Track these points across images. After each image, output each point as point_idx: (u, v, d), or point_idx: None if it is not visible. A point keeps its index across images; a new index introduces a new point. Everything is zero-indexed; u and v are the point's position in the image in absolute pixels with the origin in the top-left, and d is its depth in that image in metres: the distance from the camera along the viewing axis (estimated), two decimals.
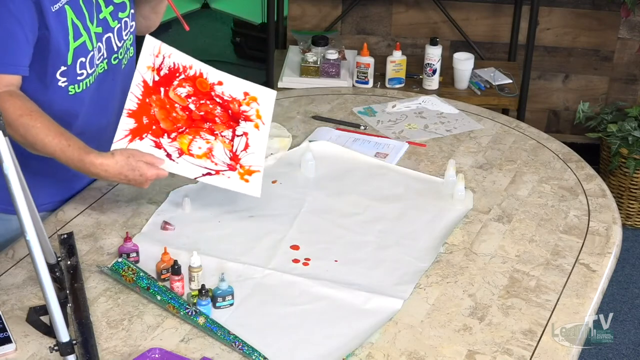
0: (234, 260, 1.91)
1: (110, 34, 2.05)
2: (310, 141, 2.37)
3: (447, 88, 3.51)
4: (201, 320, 1.71)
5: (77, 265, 1.84)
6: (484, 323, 1.77)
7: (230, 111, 2.09)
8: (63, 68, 1.95)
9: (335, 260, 1.94)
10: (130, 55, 2.15)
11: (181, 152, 2.02)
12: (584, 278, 1.91)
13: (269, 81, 3.61)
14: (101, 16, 2.02)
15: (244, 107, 2.11)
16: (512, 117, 2.71)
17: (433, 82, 3.49)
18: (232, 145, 2.07)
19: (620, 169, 3.64)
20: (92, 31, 2.00)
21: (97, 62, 2.03)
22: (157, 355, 1.64)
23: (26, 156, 1.93)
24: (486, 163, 2.33)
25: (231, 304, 1.78)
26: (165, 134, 2.02)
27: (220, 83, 2.11)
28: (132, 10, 2.11)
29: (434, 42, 3.47)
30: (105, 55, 2.05)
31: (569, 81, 3.98)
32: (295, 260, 1.93)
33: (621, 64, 3.91)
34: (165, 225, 2.02)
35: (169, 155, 2.00)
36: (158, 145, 2.00)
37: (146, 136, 1.99)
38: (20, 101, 1.87)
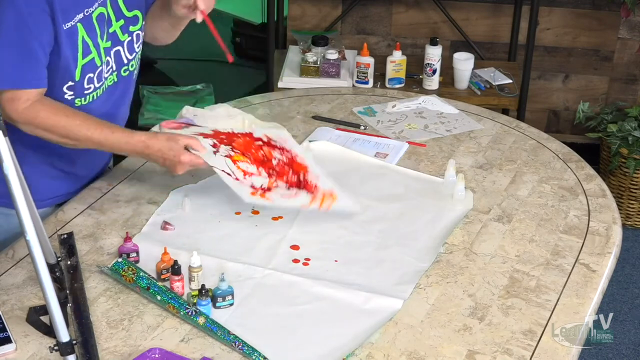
0: (234, 260, 1.91)
1: (119, 47, 2.06)
2: (310, 141, 2.37)
3: (447, 88, 3.51)
4: (201, 320, 1.71)
5: (77, 265, 1.84)
6: (484, 323, 1.77)
7: (302, 183, 2.08)
8: (70, 83, 1.97)
9: (335, 260, 1.94)
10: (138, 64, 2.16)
11: (232, 159, 2.05)
12: (584, 278, 1.91)
13: (269, 81, 3.61)
14: (111, 30, 2.02)
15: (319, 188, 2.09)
16: (512, 117, 2.71)
17: (433, 82, 3.49)
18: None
19: (620, 169, 3.64)
20: (102, 47, 2.00)
21: (106, 76, 2.04)
22: (157, 355, 1.64)
23: (26, 148, 1.95)
24: (486, 163, 2.33)
25: (231, 304, 1.78)
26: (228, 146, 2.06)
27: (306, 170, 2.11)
28: (144, 22, 2.11)
29: (434, 42, 3.47)
30: (114, 68, 2.06)
31: (569, 81, 3.98)
32: (295, 260, 1.93)
33: (621, 64, 3.91)
34: (165, 225, 2.02)
35: (215, 145, 2.03)
36: (211, 139, 2.05)
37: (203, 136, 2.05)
38: (52, 106, 1.93)
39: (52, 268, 1.72)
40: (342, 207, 2.06)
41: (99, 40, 1.99)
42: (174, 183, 2.17)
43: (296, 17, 3.91)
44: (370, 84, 3.39)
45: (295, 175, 2.08)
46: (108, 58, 2.02)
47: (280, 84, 3.43)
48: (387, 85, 3.46)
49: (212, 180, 2.20)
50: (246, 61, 4.83)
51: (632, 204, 3.68)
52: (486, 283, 1.88)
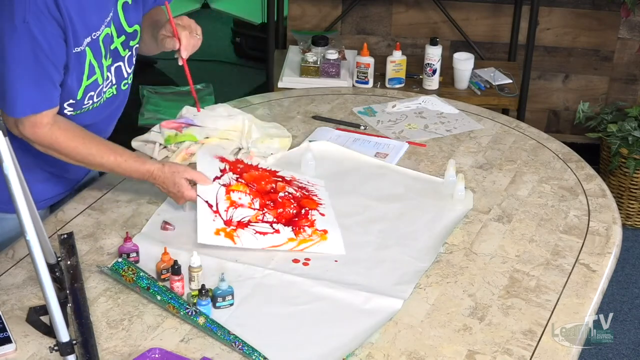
0: (234, 260, 1.91)
1: (120, 63, 2.07)
2: (310, 141, 2.37)
3: (447, 88, 3.51)
4: (201, 320, 1.71)
5: (77, 265, 1.84)
6: (484, 323, 1.77)
7: (298, 218, 2.05)
8: (72, 101, 1.99)
9: (335, 260, 1.94)
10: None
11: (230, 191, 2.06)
12: (584, 278, 1.91)
13: (269, 81, 3.61)
14: (112, 47, 2.03)
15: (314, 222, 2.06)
16: (512, 117, 2.71)
17: (433, 82, 3.49)
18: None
19: (620, 169, 3.64)
20: (105, 65, 2.02)
21: (105, 90, 2.05)
22: (157, 355, 1.64)
23: (14, 151, 1.96)
24: (486, 163, 2.33)
25: (231, 304, 1.78)
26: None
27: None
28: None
29: (434, 42, 3.47)
30: (114, 82, 2.07)
31: (569, 81, 3.98)
32: (295, 260, 1.93)
33: (621, 64, 3.91)
34: (165, 225, 2.02)
35: (223, 170, 2.08)
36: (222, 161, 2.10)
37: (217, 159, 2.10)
38: (69, 130, 1.96)
39: (52, 268, 1.72)
40: (325, 249, 1.97)
41: (103, 60, 2.01)
42: None
43: (296, 17, 3.91)
44: (370, 84, 3.39)
45: (294, 210, 2.05)
46: (109, 74, 2.04)
47: (280, 84, 3.43)
48: (387, 85, 3.46)
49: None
50: (246, 61, 4.83)
51: (632, 204, 3.68)
52: (486, 283, 1.88)
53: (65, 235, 1.92)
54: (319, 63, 3.43)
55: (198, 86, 4.43)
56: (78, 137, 1.97)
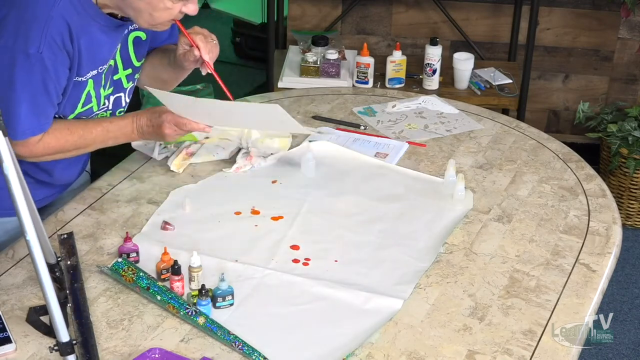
0: (234, 260, 1.91)
1: (121, 94, 2.09)
2: (310, 141, 2.37)
3: (447, 88, 3.51)
4: (201, 320, 1.71)
5: (77, 265, 1.84)
6: (484, 323, 1.77)
7: None
8: (61, 116, 2.01)
9: (335, 260, 1.94)
10: None
11: None
12: (584, 278, 1.91)
13: (269, 81, 3.61)
14: (115, 77, 2.05)
15: None
16: (512, 117, 2.71)
17: (433, 82, 3.49)
18: None
19: (620, 169, 3.64)
20: (103, 95, 2.03)
21: (98, 114, 2.07)
22: (157, 355, 1.64)
23: None
24: (486, 163, 2.33)
25: (231, 304, 1.78)
26: None
27: None
28: None
29: (434, 42, 3.46)
30: (110, 109, 2.09)
31: (569, 81, 3.98)
32: (295, 260, 1.93)
33: (621, 64, 3.90)
34: (165, 225, 2.02)
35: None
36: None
37: None
38: (56, 130, 1.97)
39: (52, 268, 1.72)
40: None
41: (101, 89, 2.01)
42: (174, 183, 2.17)
43: (296, 17, 3.91)
44: (370, 84, 3.39)
45: None
46: (106, 101, 2.06)
47: (280, 84, 3.43)
48: (387, 85, 3.45)
49: (212, 180, 2.20)
50: (246, 61, 4.83)
51: (632, 204, 3.68)
52: (486, 283, 1.88)
53: (65, 235, 1.93)
54: (319, 63, 3.42)
55: (198, 86, 4.43)
56: (64, 129, 1.98)
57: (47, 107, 1.92)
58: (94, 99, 2.01)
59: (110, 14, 1.95)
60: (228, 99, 2.02)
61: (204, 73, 2.08)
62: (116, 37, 1.99)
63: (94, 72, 1.97)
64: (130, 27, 2.04)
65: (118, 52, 2.03)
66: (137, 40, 2.06)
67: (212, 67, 2.06)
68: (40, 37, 1.83)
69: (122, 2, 1.91)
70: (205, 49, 2.04)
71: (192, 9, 1.94)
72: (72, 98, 1.96)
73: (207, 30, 2.10)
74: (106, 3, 1.92)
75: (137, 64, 2.10)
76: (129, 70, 2.08)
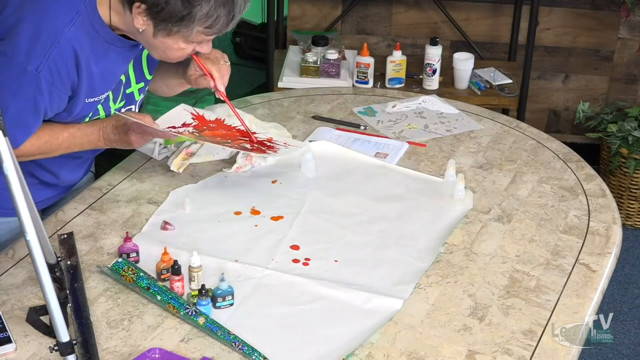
0: (234, 260, 1.91)
1: (132, 106, 2.09)
2: (310, 141, 2.37)
3: (447, 88, 3.51)
4: (201, 320, 1.71)
5: (77, 265, 1.84)
6: (484, 323, 1.77)
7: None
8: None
9: (335, 260, 1.94)
10: None
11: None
12: (584, 278, 1.91)
13: (269, 81, 3.61)
14: (128, 91, 2.05)
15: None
16: (512, 117, 2.71)
17: (433, 82, 3.49)
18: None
19: (620, 169, 3.64)
20: (113, 108, 2.03)
21: None
22: (157, 355, 1.64)
23: None
24: (486, 163, 2.33)
25: (231, 304, 1.78)
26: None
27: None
28: None
29: (434, 42, 3.47)
30: None
31: (569, 81, 3.98)
32: (295, 260, 1.93)
33: (621, 64, 3.91)
34: (165, 225, 2.02)
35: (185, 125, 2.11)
36: None
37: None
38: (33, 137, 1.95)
39: (52, 268, 1.72)
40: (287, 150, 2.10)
41: (111, 104, 2.01)
42: (174, 183, 2.17)
43: (296, 17, 3.91)
44: (370, 84, 3.39)
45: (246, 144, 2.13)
46: (116, 112, 2.05)
47: (280, 84, 3.43)
48: (387, 85, 3.46)
49: (212, 180, 2.20)
50: (246, 61, 4.83)
51: (632, 204, 3.68)
52: (486, 283, 1.88)
53: (65, 235, 1.93)
54: (319, 63, 3.43)
55: None
56: (35, 135, 1.95)
57: (32, 122, 1.90)
58: (102, 113, 2.02)
59: (123, 35, 1.95)
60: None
61: (217, 96, 2.10)
62: (131, 56, 2.00)
63: (107, 94, 1.97)
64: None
65: (131, 66, 2.03)
66: (150, 55, 2.05)
67: (225, 94, 2.09)
68: (43, 57, 1.81)
69: (138, 35, 1.91)
70: (220, 79, 2.06)
71: (206, 49, 1.95)
72: (80, 114, 1.97)
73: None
74: (119, 27, 1.91)
75: (149, 77, 2.10)
76: (142, 84, 2.09)
